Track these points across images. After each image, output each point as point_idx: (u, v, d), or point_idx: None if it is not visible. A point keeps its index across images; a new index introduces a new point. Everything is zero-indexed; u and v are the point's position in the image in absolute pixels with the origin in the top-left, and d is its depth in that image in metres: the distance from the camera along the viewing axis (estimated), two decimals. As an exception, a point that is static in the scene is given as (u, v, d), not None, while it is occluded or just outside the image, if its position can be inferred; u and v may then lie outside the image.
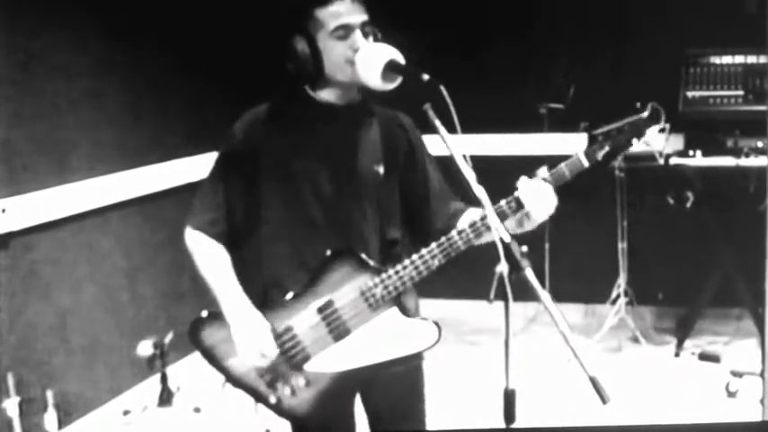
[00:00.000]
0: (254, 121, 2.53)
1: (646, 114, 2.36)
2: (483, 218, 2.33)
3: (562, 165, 2.38)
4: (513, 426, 2.09)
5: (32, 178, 4.05)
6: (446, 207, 2.58)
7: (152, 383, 4.64)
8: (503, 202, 2.37)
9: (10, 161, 3.96)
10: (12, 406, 3.82)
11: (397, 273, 2.42)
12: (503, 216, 2.34)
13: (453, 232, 2.39)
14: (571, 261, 5.61)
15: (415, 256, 2.40)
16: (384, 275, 2.43)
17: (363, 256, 2.46)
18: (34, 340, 4.09)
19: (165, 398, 4.59)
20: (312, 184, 2.49)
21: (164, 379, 4.60)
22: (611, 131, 2.36)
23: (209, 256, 2.54)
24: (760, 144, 4.98)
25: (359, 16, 2.42)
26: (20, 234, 3.97)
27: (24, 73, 4.05)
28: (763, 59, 5.23)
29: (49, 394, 3.98)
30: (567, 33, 5.55)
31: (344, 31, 2.39)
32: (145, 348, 4.51)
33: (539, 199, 2.36)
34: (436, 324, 2.47)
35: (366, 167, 2.51)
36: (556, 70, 5.43)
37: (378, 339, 2.46)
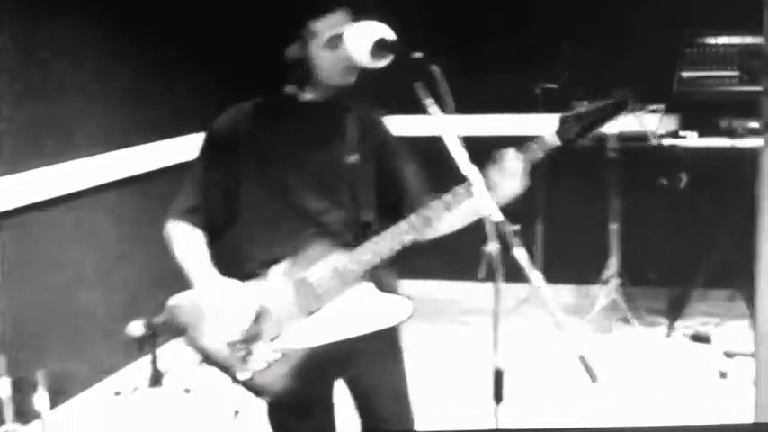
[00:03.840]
0: (235, 116, 2.64)
1: (614, 100, 2.47)
2: (458, 189, 2.40)
3: (532, 142, 2.49)
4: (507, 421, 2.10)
5: (24, 158, 4.03)
6: (420, 203, 2.60)
7: (143, 364, 4.63)
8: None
9: (2, 141, 3.94)
10: (3, 386, 3.81)
11: (370, 248, 2.48)
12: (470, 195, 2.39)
13: (425, 205, 2.46)
14: (563, 242, 5.61)
15: (388, 231, 2.47)
16: (357, 251, 2.49)
17: (338, 236, 2.53)
18: (26, 320, 4.07)
19: (156, 379, 4.58)
20: (290, 175, 2.58)
21: (154, 360, 4.58)
22: (580, 114, 2.49)
23: (184, 239, 2.61)
24: (755, 125, 4.97)
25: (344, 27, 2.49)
26: (12, 214, 3.95)
27: (25, 54, 4.03)
28: (758, 40, 5.21)
29: (41, 375, 3.96)
30: (563, 13, 5.53)
31: (337, 41, 2.48)
32: (136, 329, 4.50)
33: (508, 176, 2.44)
34: (409, 298, 2.53)
35: (342, 157, 2.59)
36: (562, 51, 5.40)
37: (350, 314, 2.50)
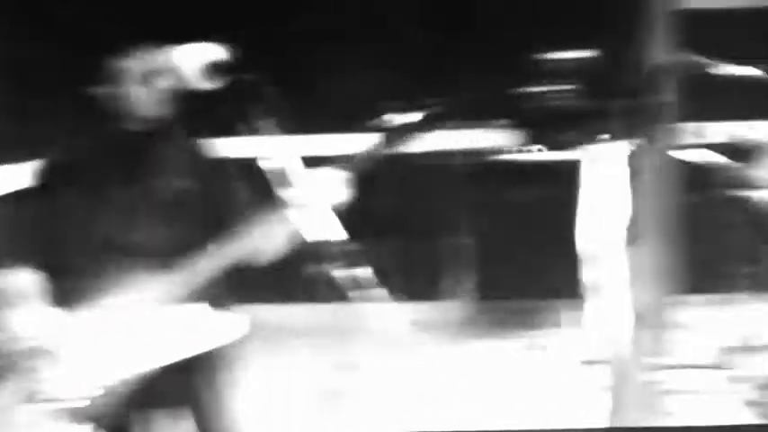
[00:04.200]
0: (57, 157, 2.72)
1: (427, 114, 2.60)
2: (279, 206, 2.49)
3: (348, 158, 2.56)
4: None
5: None
6: (245, 222, 2.63)
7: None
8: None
9: None
10: None
11: (194, 270, 2.53)
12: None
13: (240, 225, 2.53)
14: (412, 257, 5.63)
15: (211, 251, 2.53)
16: (181, 274, 2.54)
17: (164, 262, 2.56)
18: None
19: None
20: (113, 206, 2.63)
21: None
22: (393, 128, 2.58)
23: (18, 280, 2.63)
24: (592, 137, 5.09)
25: (161, 61, 2.59)
26: None
27: None
28: (595, 54, 5.37)
29: None
30: (415, 31, 5.58)
31: (147, 78, 2.57)
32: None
33: (323, 191, 2.51)
34: (242, 318, 2.58)
35: (163, 184, 2.64)
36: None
37: (178, 337, 2.56)
